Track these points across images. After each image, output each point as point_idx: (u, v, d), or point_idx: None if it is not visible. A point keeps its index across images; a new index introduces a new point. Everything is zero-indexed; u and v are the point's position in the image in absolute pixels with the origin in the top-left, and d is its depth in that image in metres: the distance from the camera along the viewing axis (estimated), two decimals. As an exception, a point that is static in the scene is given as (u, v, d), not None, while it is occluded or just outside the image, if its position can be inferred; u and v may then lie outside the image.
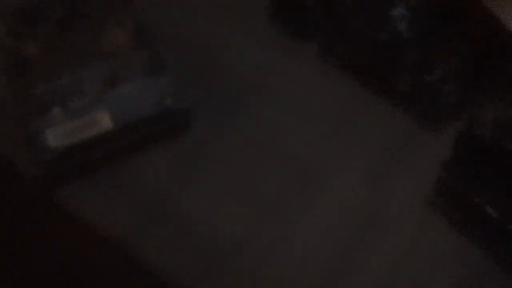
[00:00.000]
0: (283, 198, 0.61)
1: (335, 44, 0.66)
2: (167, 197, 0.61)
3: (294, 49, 0.68)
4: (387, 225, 0.60)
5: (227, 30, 0.69)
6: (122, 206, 0.60)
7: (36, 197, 0.61)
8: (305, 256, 0.58)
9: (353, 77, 0.66)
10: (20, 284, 0.56)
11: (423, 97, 0.64)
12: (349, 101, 0.66)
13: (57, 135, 0.61)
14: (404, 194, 0.62)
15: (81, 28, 0.64)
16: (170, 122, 0.63)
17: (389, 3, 0.64)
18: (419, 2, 0.65)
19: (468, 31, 0.64)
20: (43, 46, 0.62)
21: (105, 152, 0.62)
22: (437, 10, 0.65)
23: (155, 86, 0.63)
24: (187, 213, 0.60)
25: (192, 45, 0.69)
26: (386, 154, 0.64)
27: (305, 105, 0.66)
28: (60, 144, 0.60)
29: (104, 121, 0.62)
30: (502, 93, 0.60)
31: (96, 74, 0.63)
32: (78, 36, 0.64)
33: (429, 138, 0.64)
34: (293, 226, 0.59)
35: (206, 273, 0.57)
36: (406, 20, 0.65)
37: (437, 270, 0.58)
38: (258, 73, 0.68)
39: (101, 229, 0.58)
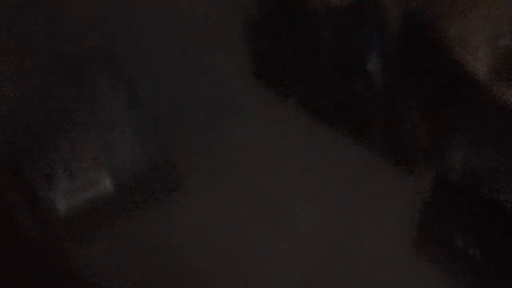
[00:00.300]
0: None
1: (311, 99, 0.71)
2: (167, 250, 0.65)
3: (275, 106, 0.73)
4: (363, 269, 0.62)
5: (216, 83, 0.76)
6: (125, 262, 0.64)
7: (40, 256, 0.65)
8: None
9: (330, 128, 0.71)
10: None
11: (398, 144, 0.68)
12: (327, 151, 0.70)
13: (59, 198, 0.66)
14: (383, 238, 0.64)
15: (75, 93, 0.70)
16: (163, 181, 0.68)
17: (361, 58, 0.69)
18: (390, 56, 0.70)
19: (438, 80, 0.68)
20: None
21: (105, 212, 0.67)
22: (407, 62, 0.69)
23: (147, 147, 0.68)
24: (188, 265, 0.64)
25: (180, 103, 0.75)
26: (366, 199, 0.67)
27: (287, 158, 0.70)
28: (63, 206, 0.65)
29: (104, 183, 0.67)
30: (471, 137, 0.62)
31: (93, 138, 0.68)
32: (73, 102, 0.70)
33: (405, 183, 0.67)
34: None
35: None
36: (378, 73, 0.69)
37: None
38: (241, 128, 0.73)
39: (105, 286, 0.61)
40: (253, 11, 0.80)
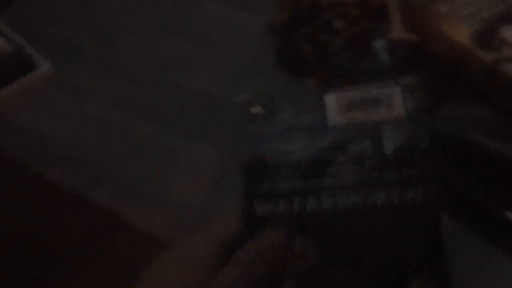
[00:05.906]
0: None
1: (327, 77, 0.87)
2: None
3: (297, 84, 0.89)
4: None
5: (245, 77, 0.92)
6: None
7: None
8: None
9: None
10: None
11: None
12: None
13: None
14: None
15: None
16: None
17: (366, 43, 0.84)
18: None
19: (434, 54, 0.81)
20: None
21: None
22: (408, 41, 0.83)
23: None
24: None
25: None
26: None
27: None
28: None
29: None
30: (459, 96, 0.76)
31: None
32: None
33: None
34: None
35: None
36: (383, 51, 0.83)
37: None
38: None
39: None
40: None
